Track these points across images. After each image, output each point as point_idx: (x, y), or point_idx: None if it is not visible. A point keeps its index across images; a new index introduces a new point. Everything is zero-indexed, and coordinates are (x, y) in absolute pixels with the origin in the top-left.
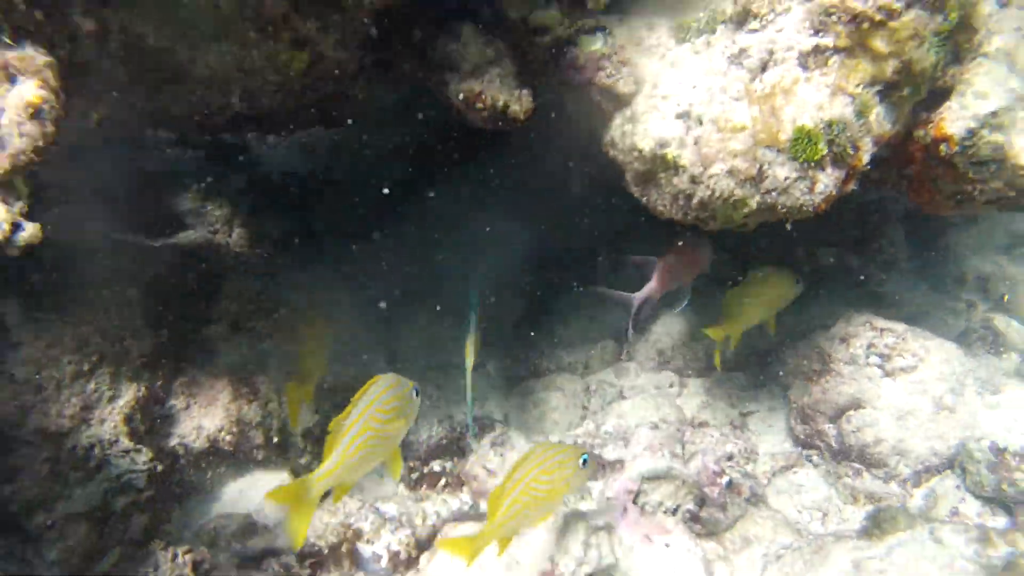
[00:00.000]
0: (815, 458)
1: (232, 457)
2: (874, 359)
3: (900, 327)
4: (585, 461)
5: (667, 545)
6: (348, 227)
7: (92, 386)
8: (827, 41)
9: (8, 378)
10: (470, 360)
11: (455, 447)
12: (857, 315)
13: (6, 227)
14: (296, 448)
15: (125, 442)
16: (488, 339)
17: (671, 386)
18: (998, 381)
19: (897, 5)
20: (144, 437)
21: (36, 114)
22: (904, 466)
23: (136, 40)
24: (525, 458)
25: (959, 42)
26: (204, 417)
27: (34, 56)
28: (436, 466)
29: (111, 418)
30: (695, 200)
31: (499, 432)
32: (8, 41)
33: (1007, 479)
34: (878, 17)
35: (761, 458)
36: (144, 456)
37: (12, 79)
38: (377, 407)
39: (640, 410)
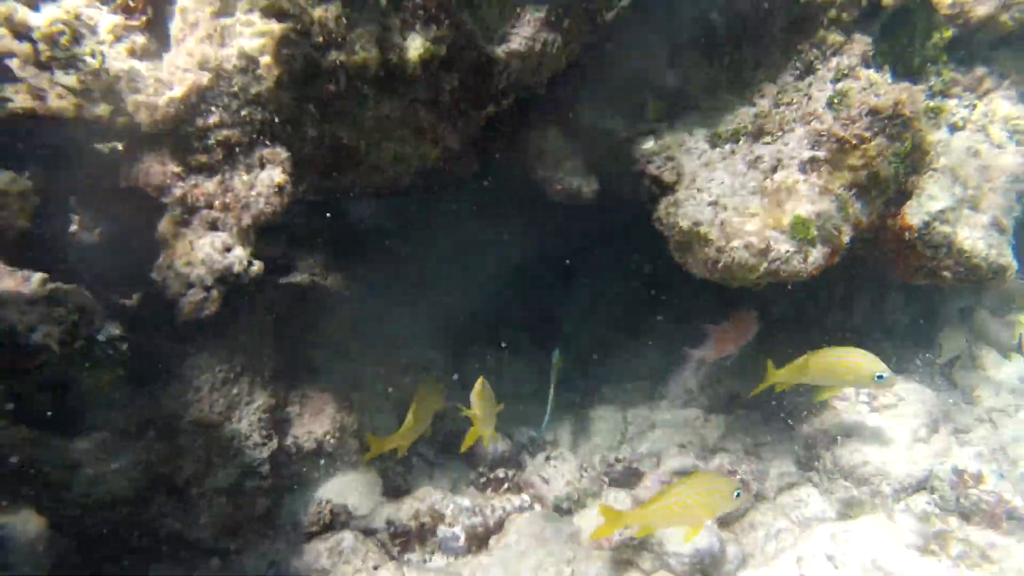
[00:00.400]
0: (814, 478)
1: (333, 458)
2: (863, 398)
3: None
4: (738, 495)
5: None
6: (427, 275)
7: (235, 390)
8: (819, 154)
9: (177, 377)
10: (555, 378)
11: (515, 460)
12: None
13: (244, 262)
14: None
15: (256, 437)
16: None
17: (696, 419)
18: (969, 424)
19: (867, 134)
20: (269, 435)
21: (279, 190)
22: (886, 485)
23: (336, 140)
24: (687, 480)
25: (915, 159)
26: (313, 423)
27: (279, 152)
28: (500, 473)
29: (248, 417)
30: (720, 264)
31: (552, 450)
32: (267, 142)
33: (964, 494)
34: (854, 141)
35: (770, 477)
36: (268, 450)
37: (263, 166)
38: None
39: (669, 436)
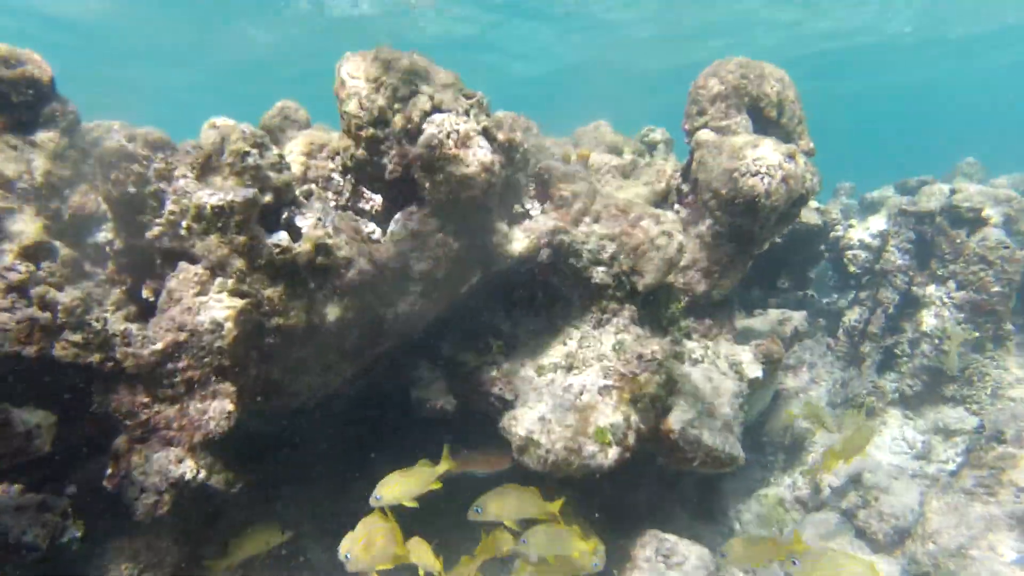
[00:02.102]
0: None
1: None
2: (661, 557)
3: (673, 538)
4: None
5: None
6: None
7: None
8: (610, 383)
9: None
10: None
11: None
12: (648, 531)
13: (194, 472)
14: None
15: None
16: None
17: None
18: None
19: (638, 370)
20: None
21: (228, 415)
22: None
23: (270, 376)
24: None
25: (671, 386)
26: None
27: (229, 386)
28: None
29: None
30: (548, 461)
31: None
32: (220, 379)
33: None
34: (631, 375)
35: None
36: None
37: (215, 397)
38: None
39: None
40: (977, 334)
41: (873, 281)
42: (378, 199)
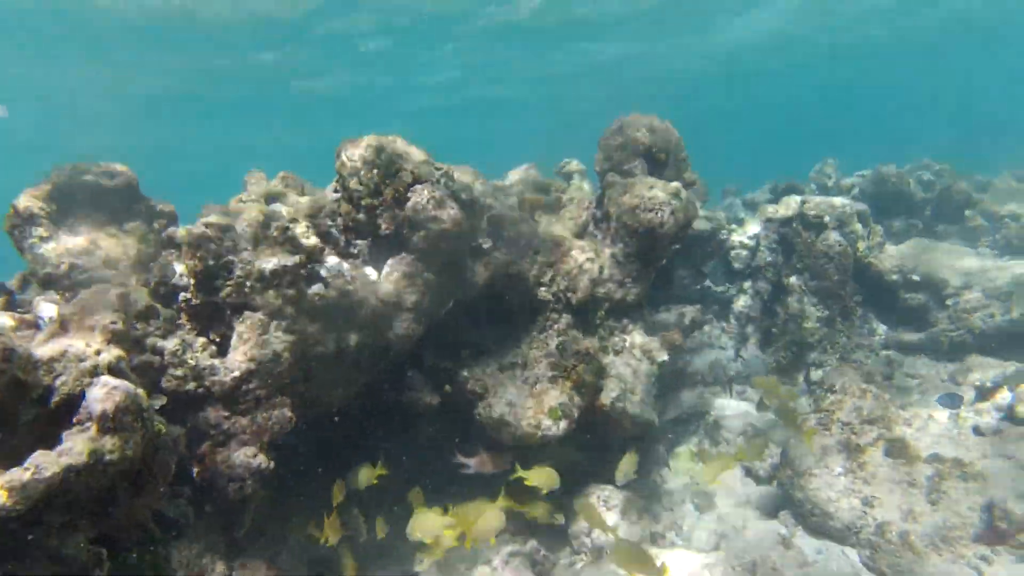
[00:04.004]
0: None
1: None
2: (602, 502)
3: (609, 488)
4: None
5: None
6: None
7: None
8: (556, 373)
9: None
10: None
11: None
12: (591, 484)
13: (264, 463)
14: None
15: None
16: None
17: None
18: None
19: (576, 363)
20: None
21: (288, 421)
22: None
23: (311, 391)
24: None
25: (601, 373)
26: None
27: (286, 399)
28: None
29: None
30: (516, 435)
31: None
32: (279, 395)
33: None
34: (570, 366)
35: None
36: None
37: (275, 408)
38: None
39: None
40: (827, 312)
41: (752, 274)
42: (363, 244)
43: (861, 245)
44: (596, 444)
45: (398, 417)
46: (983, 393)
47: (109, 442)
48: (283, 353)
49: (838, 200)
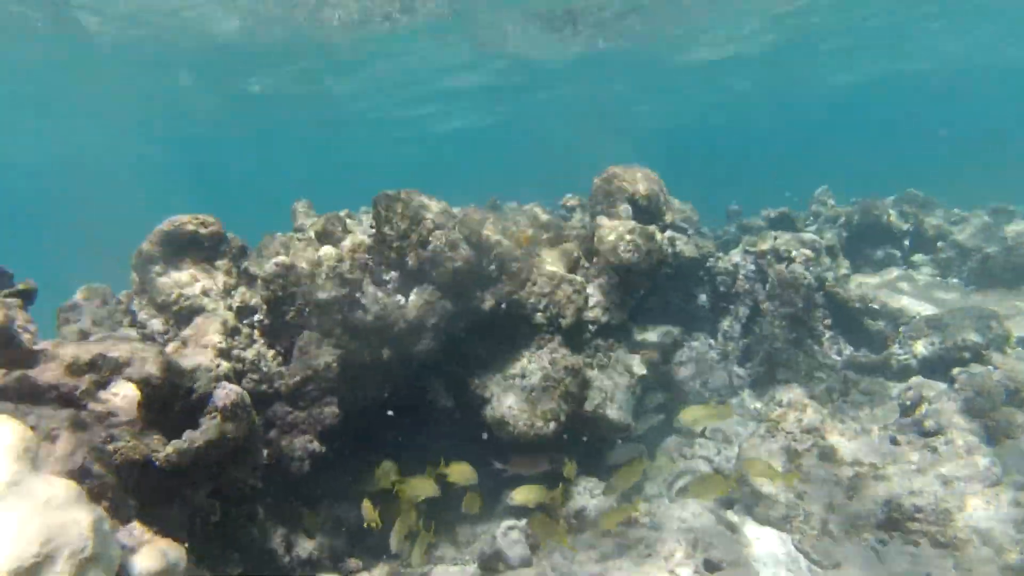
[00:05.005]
0: None
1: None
2: (587, 491)
3: (594, 480)
4: None
5: None
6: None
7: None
8: (548, 384)
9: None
10: None
11: None
12: (580, 478)
13: (320, 450)
14: None
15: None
16: None
17: None
18: None
19: (564, 377)
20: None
21: (334, 416)
22: None
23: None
24: None
25: (585, 386)
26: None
27: (335, 399)
28: None
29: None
30: (515, 433)
31: None
32: (328, 398)
33: None
34: (560, 379)
35: None
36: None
37: (327, 406)
38: None
39: None
40: (794, 335)
41: (734, 299)
42: (394, 275)
43: (829, 276)
44: (585, 443)
45: (422, 414)
46: (905, 410)
47: (229, 426)
48: (332, 363)
49: (808, 236)
